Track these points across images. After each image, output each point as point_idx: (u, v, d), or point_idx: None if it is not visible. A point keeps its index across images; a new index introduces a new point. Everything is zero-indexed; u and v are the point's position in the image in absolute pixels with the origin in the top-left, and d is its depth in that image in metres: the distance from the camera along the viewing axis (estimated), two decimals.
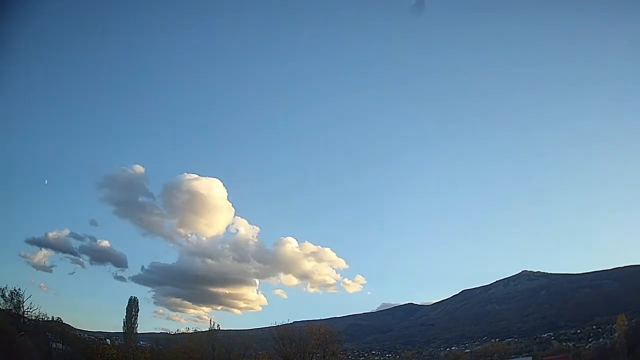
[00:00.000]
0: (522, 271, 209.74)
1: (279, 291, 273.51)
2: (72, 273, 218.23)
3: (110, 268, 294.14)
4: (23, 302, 51.43)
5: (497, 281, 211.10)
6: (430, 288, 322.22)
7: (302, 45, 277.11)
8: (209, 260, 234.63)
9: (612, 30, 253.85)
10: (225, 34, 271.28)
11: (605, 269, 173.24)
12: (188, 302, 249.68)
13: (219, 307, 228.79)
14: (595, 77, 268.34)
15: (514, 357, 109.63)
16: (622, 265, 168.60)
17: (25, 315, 51.86)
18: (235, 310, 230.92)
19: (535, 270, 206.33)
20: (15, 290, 51.73)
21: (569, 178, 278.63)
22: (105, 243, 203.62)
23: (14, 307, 51.13)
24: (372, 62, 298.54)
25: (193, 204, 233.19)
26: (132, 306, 71.84)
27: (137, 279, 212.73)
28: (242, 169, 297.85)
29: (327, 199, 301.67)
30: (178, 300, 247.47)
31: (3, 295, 51.33)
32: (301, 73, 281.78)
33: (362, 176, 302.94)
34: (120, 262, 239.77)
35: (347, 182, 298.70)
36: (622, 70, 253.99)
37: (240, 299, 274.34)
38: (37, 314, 53.46)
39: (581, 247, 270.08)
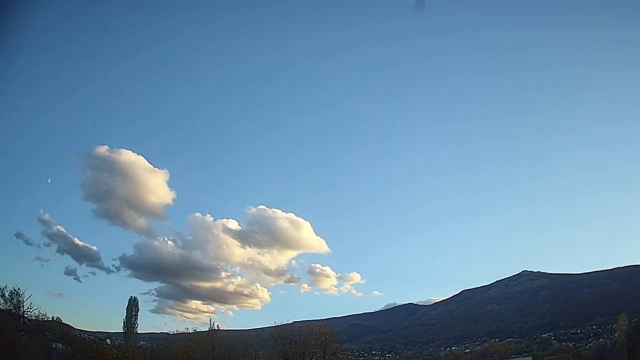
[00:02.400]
0: (522, 271, 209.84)
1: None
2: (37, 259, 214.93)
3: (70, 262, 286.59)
4: (23, 302, 51.40)
5: (497, 281, 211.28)
6: (430, 288, 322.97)
7: (302, 47, 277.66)
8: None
9: (613, 33, 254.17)
10: (229, 35, 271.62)
11: (605, 269, 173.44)
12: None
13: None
14: (594, 80, 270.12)
15: (514, 357, 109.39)
16: (622, 265, 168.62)
17: (25, 315, 51.80)
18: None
19: (535, 270, 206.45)
20: (15, 290, 51.72)
21: (568, 179, 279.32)
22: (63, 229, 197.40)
23: (14, 307, 51.06)
24: (371, 64, 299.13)
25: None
26: (132, 306, 71.68)
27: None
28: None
29: (327, 201, 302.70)
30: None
31: (3, 295, 51.27)
32: (298, 74, 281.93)
33: (363, 177, 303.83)
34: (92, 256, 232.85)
35: (348, 183, 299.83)
36: (622, 73, 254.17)
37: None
38: (37, 314, 53.52)
39: (581, 247, 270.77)
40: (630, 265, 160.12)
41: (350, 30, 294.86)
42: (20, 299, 51.30)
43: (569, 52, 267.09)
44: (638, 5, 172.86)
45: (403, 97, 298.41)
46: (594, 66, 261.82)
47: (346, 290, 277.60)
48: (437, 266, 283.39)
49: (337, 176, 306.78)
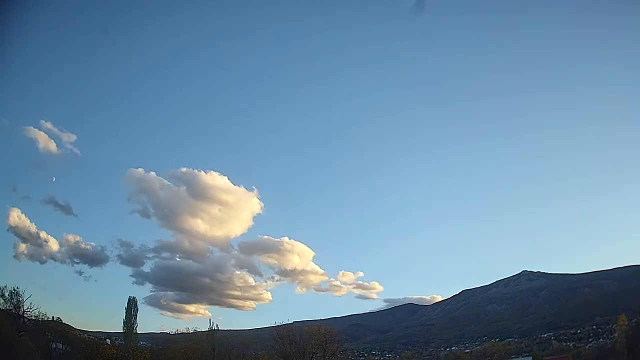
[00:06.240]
0: (522, 271, 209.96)
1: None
2: None
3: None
4: (23, 302, 51.29)
5: (497, 281, 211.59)
6: (431, 288, 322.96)
7: (303, 48, 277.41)
8: None
9: (612, 33, 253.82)
10: (228, 36, 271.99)
11: (605, 269, 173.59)
12: None
13: None
14: (594, 81, 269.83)
15: (514, 357, 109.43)
16: (622, 265, 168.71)
17: (25, 315, 51.72)
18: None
19: (535, 270, 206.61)
20: (15, 290, 51.64)
21: (568, 178, 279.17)
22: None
23: (14, 307, 50.96)
24: (372, 64, 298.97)
25: None
26: (131, 306, 71.55)
27: None
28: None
29: (326, 201, 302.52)
30: None
31: (3, 295, 51.09)
32: (302, 76, 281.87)
33: (363, 178, 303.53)
34: None
35: (347, 184, 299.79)
36: (622, 74, 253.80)
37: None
38: (37, 313, 53.45)
39: (581, 247, 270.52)
40: (630, 265, 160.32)
41: (357, 31, 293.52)
42: (20, 299, 51.27)
43: (569, 53, 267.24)
44: (638, 4, 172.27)
45: (404, 97, 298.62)
46: (596, 66, 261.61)
47: (347, 290, 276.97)
48: (437, 266, 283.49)
49: (337, 177, 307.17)
